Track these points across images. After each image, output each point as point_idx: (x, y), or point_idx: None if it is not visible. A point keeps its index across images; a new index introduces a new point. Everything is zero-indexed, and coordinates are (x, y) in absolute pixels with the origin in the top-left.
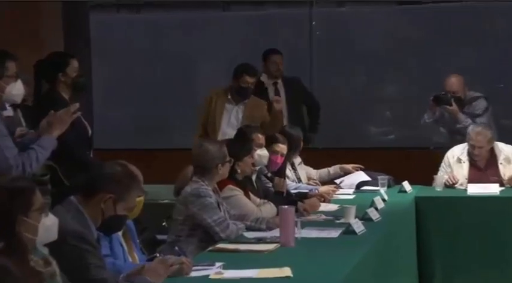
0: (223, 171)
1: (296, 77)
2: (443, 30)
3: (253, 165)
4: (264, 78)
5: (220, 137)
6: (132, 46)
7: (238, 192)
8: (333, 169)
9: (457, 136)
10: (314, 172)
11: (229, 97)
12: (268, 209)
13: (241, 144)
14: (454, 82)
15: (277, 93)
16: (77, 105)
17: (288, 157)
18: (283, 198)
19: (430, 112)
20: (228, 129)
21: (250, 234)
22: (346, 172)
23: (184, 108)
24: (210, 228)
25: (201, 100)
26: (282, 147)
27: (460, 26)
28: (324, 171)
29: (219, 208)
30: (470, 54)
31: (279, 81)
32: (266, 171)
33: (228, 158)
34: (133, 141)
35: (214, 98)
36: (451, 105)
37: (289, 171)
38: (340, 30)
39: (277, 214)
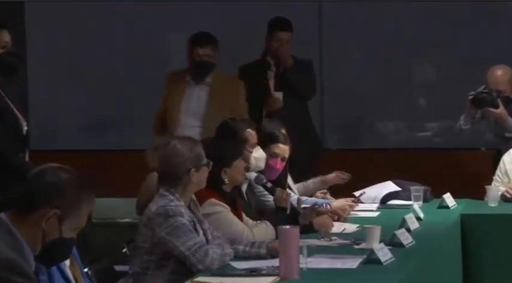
0: (199, 178)
1: (308, 60)
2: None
3: (246, 170)
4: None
5: (180, 131)
6: (81, 16)
7: (223, 209)
8: (313, 183)
9: (511, 141)
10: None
11: (187, 78)
12: (263, 231)
13: (228, 144)
14: (499, 77)
15: (278, 81)
16: None
17: None
18: (286, 216)
19: (468, 116)
20: (187, 118)
21: (239, 264)
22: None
23: (151, 97)
24: (184, 259)
25: None
26: (283, 149)
27: None
28: (300, 186)
29: (196, 230)
30: None
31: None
32: (265, 180)
33: (204, 161)
34: (81, 140)
35: (172, 79)
36: (496, 107)
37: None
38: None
39: (276, 237)
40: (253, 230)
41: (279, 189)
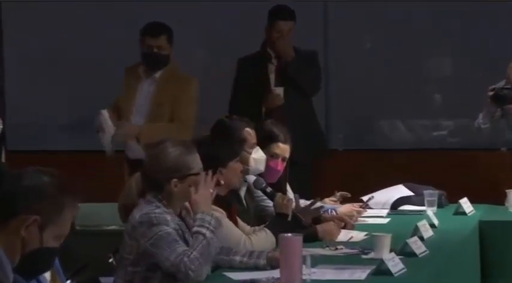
0: (184, 189)
1: (312, 51)
2: None
3: (243, 172)
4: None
5: None
6: (61, 10)
7: (218, 214)
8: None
9: None
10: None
11: (140, 73)
12: (263, 239)
13: (224, 142)
14: None
15: (279, 75)
16: None
17: None
18: (288, 223)
19: (487, 113)
20: (136, 115)
21: (236, 275)
22: None
23: None
24: (172, 273)
25: None
26: (284, 148)
27: None
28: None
29: (185, 239)
30: None
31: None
32: (264, 184)
33: (194, 170)
34: (63, 140)
35: (127, 75)
36: None
37: None
38: None
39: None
40: (252, 238)
41: (279, 195)
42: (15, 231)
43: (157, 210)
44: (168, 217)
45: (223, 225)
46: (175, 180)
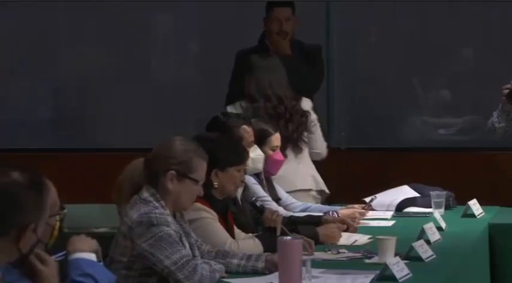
0: (179, 189)
1: (315, 46)
2: None
3: (243, 182)
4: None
5: None
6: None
7: (208, 215)
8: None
9: None
10: (285, 197)
11: None
12: (250, 246)
13: (230, 144)
14: None
15: None
16: None
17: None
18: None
19: (503, 112)
20: None
21: (234, 281)
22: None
23: (126, 90)
24: (168, 274)
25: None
26: (278, 137)
27: None
28: (296, 204)
29: (182, 243)
30: None
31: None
32: (254, 198)
33: (195, 175)
34: (47, 138)
35: None
36: None
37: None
38: None
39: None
40: (239, 243)
41: (268, 210)
42: (13, 244)
43: (157, 211)
44: (169, 219)
45: (209, 228)
46: (172, 172)
